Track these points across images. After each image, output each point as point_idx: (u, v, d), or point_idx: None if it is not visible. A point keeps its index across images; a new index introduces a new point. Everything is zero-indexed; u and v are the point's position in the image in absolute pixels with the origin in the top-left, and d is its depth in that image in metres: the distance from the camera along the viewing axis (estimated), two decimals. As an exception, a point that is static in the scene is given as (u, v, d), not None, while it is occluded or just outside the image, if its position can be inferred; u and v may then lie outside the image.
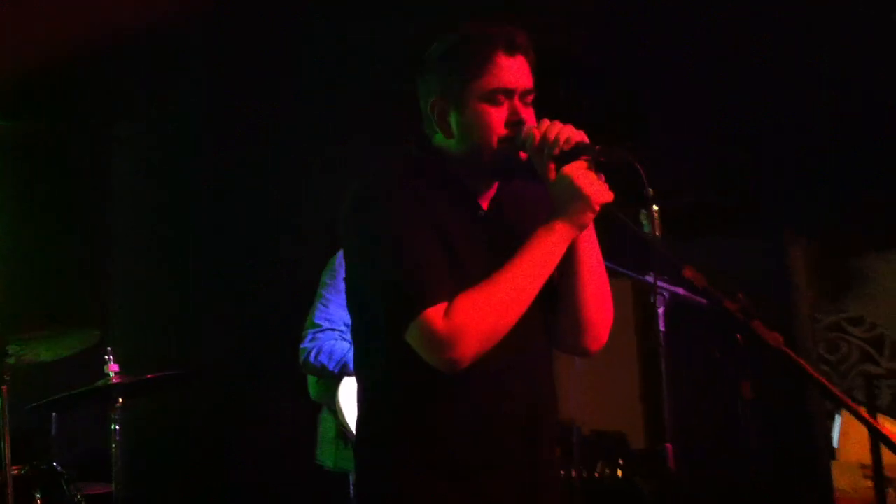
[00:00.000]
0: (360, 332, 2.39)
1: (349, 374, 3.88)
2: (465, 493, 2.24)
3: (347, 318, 3.86)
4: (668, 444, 3.99)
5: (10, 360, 3.57)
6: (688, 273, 2.11)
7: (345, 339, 3.91)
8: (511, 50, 2.31)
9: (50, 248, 5.33)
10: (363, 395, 2.40)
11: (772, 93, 5.42)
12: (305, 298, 4.27)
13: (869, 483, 5.57)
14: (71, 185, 5.53)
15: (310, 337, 3.91)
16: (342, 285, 3.93)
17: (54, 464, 3.84)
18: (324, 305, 3.96)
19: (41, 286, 5.25)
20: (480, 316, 2.17)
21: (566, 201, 2.25)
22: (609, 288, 2.41)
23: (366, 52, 5.08)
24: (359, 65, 5.22)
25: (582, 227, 2.28)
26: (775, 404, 5.18)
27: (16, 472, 3.63)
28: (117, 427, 3.92)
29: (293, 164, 5.47)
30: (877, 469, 2.08)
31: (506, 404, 2.28)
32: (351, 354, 3.84)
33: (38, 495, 3.68)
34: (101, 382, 3.92)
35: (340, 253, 4.00)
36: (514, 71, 2.31)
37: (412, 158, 2.40)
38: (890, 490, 6.01)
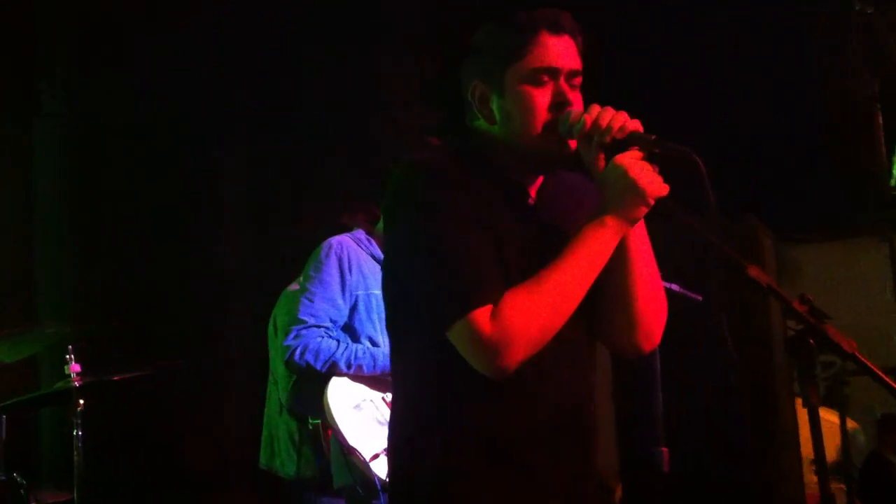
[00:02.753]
0: (399, 328, 2.32)
1: (337, 375, 3.77)
2: (506, 492, 2.18)
3: (333, 314, 3.82)
4: (663, 448, 3.97)
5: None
6: (753, 272, 2.04)
7: (330, 337, 3.77)
8: (555, 29, 2.25)
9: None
10: (399, 392, 2.33)
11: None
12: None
13: (815, 478, 5.65)
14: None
15: (293, 334, 3.77)
16: (327, 278, 3.83)
17: (14, 474, 3.64)
18: (308, 300, 3.82)
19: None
20: (529, 319, 2.11)
21: (618, 194, 2.18)
22: (661, 284, 2.36)
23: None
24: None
25: (634, 222, 2.22)
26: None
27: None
28: (79, 432, 3.73)
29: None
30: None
31: (550, 404, 2.22)
32: (339, 353, 3.73)
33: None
34: (60, 384, 3.73)
35: (325, 243, 3.90)
36: (558, 50, 2.24)
37: (455, 146, 2.33)
38: (843, 486, 6.07)
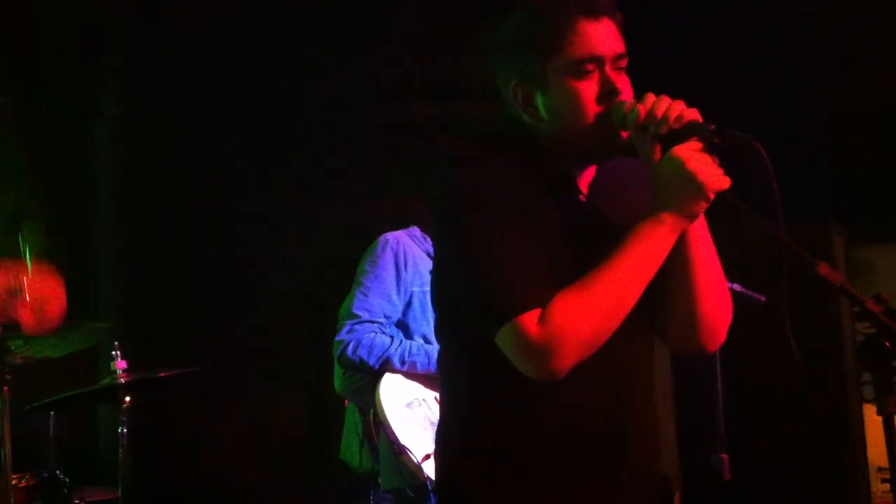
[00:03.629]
0: (446, 330, 2.26)
1: (391, 371, 3.75)
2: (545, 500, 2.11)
3: (388, 310, 3.79)
4: (723, 455, 3.86)
5: (11, 359, 3.33)
6: (823, 270, 1.92)
7: (384, 332, 3.71)
8: (592, 13, 2.11)
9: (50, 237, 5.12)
10: (447, 397, 2.29)
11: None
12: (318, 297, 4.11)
13: (885, 487, 5.47)
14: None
15: (347, 328, 3.75)
16: (383, 273, 3.80)
17: (56, 471, 3.63)
18: (363, 294, 3.80)
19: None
20: (580, 321, 2.01)
21: (677, 188, 2.06)
22: (725, 281, 2.25)
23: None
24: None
25: (693, 218, 2.10)
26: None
27: (14, 481, 3.40)
28: (124, 430, 3.70)
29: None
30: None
31: (593, 408, 2.14)
32: (393, 349, 3.68)
33: (42, 504, 3.47)
34: (107, 380, 3.71)
35: (381, 238, 3.86)
36: (599, 35, 2.11)
37: (503, 140, 2.22)
38: None
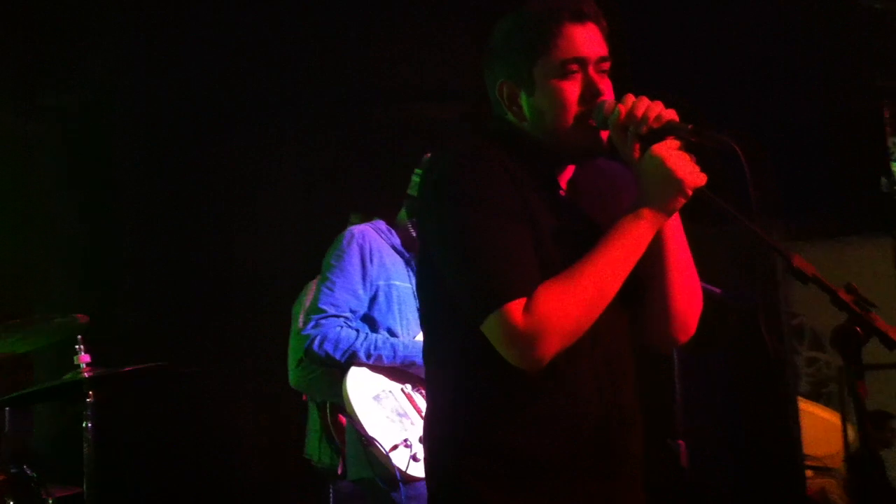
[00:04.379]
0: (433, 321, 2.33)
1: (357, 365, 3.78)
2: (545, 496, 2.17)
3: (353, 304, 3.83)
4: (680, 441, 3.96)
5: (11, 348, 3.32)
6: (797, 262, 2.03)
7: (350, 327, 3.76)
8: (579, 18, 2.24)
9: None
10: (435, 389, 2.34)
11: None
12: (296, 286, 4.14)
13: (810, 473, 5.66)
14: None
15: (313, 323, 3.78)
16: (348, 267, 3.83)
17: (24, 467, 3.61)
18: (329, 289, 3.83)
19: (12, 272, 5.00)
20: (564, 311, 2.10)
21: (656, 185, 2.17)
22: (696, 275, 2.35)
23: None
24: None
25: (671, 213, 2.21)
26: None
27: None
28: (90, 424, 3.69)
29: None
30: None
31: (585, 402, 2.21)
32: (359, 343, 3.72)
33: (12, 502, 3.45)
34: (70, 375, 3.70)
35: (347, 232, 3.90)
36: (584, 38, 2.23)
37: (491, 136, 2.32)
38: (833, 481, 6.09)
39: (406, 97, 5.47)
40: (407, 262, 3.96)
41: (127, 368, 3.75)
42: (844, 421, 5.55)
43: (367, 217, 4.10)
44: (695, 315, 2.35)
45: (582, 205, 2.31)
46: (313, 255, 4.15)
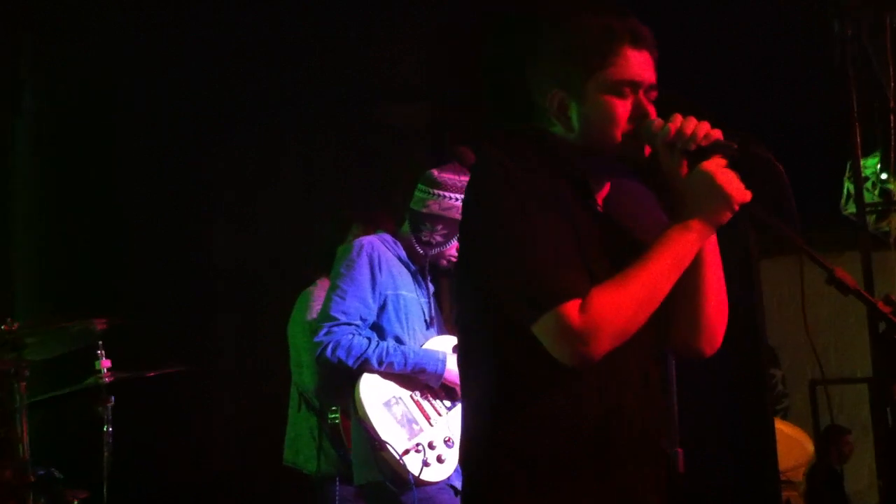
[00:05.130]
0: (473, 325, 2.40)
1: (369, 371, 3.89)
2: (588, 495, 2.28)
3: (363, 312, 3.95)
4: (678, 449, 4.11)
5: (28, 355, 3.39)
6: (839, 274, 2.20)
7: (361, 335, 3.88)
8: (637, 43, 2.37)
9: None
10: (473, 392, 2.41)
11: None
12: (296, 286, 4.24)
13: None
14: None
15: (325, 330, 3.89)
16: (358, 276, 3.94)
17: (52, 469, 3.69)
18: (340, 297, 3.94)
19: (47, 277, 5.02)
20: (617, 312, 2.23)
21: (706, 199, 2.31)
22: (725, 289, 2.49)
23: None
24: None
25: (718, 226, 2.35)
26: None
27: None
28: (109, 428, 3.78)
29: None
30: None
31: (623, 406, 2.33)
32: (371, 350, 3.84)
33: (43, 501, 3.52)
34: (91, 380, 3.78)
35: (356, 242, 4.03)
36: (641, 63, 2.36)
37: (535, 145, 2.41)
38: (795, 494, 6.32)
39: (406, 97, 5.55)
40: (413, 275, 4.10)
41: (148, 374, 3.83)
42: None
43: (368, 226, 4.23)
44: (722, 329, 2.47)
45: (618, 219, 2.44)
46: (313, 255, 4.25)
